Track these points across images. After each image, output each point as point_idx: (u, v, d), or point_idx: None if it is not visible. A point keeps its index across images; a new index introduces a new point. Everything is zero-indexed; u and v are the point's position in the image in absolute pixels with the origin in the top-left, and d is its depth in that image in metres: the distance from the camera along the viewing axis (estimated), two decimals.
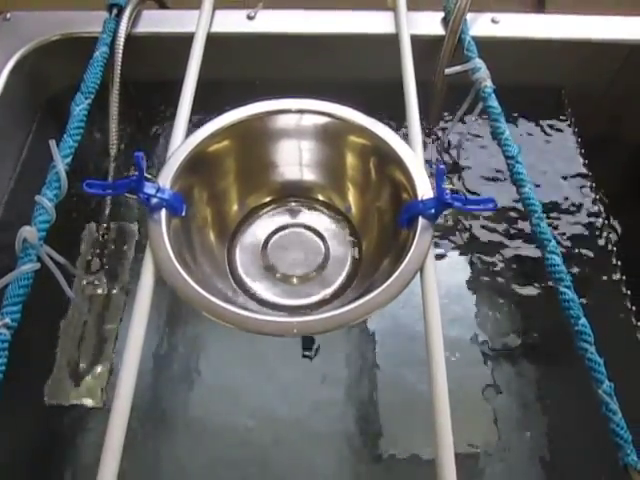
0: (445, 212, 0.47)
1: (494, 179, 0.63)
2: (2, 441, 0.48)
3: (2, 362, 0.37)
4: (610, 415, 0.38)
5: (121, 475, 0.34)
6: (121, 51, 0.57)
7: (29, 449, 0.48)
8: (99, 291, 0.54)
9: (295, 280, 0.49)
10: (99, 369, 0.51)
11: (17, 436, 0.49)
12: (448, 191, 0.41)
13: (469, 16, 0.60)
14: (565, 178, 0.64)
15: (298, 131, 0.50)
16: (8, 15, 0.63)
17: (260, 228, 0.52)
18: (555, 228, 0.60)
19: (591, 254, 0.58)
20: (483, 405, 0.50)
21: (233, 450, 0.48)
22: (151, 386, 0.50)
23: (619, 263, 0.57)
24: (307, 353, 0.52)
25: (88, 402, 0.49)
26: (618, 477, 0.38)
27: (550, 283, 0.45)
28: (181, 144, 0.46)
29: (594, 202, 0.62)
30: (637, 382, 0.50)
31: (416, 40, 0.58)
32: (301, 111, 0.49)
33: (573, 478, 0.48)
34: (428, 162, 0.63)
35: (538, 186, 0.62)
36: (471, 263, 0.58)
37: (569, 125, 0.68)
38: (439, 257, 0.58)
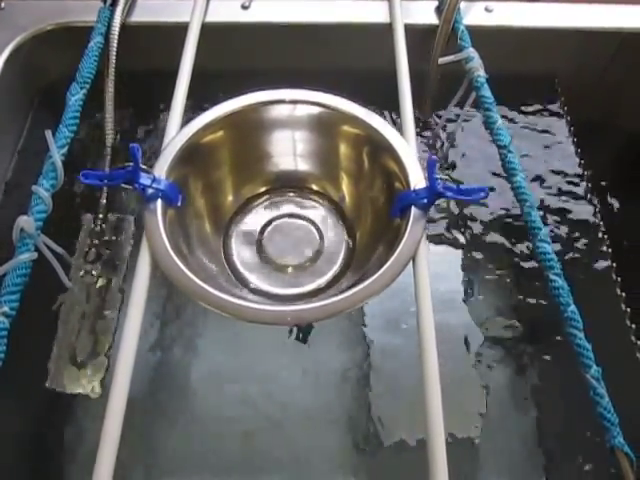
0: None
1: (487, 169, 0.64)
2: (2, 429, 0.49)
3: (1, 350, 0.37)
4: (597, 399, 0.39)
5: (119, 462, 0.34)
6: (116, 41, 0.57)
7: (28, 437, 0.49)
8: (96, 281, 0.55)
9: (290, 269, 0.49)
10: (97, 358, 0.51)
11: (16, 424, 0.49)
12: (440, 181, 0.42)
13: (463, 5, 0.60)
14: (557, 166, 0.64)
15: (292, 121, 0.50)
16: (2, 4, 0.63)
17: (255, 218, 0.52)
18: (546, 216, 0.60)
19: (581, 241, 0.59)
20: (475, 391, 0.51)
21: (228, 437, 0.49)
22: (148, 374, 0.51)
23: (609, 250, 0.58)
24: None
25: (86, 390, 0.50)
26: (605, 459, 0.39)
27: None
28: (176, 134, 0.47)
29: (586, 190, 0.62)
30: (625, 366, 0.51)
31: (410, 29, 0.58)
32: (295, 101, 0.49)
33: (562, 461, 0.49)
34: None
35: (530, 175, 0.62)
36: (463, 251, 0.58)
37: (562, 114, 0.68)
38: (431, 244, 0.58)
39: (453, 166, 0.64)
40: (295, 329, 0.53)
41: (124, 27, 0.59)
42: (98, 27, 0.57)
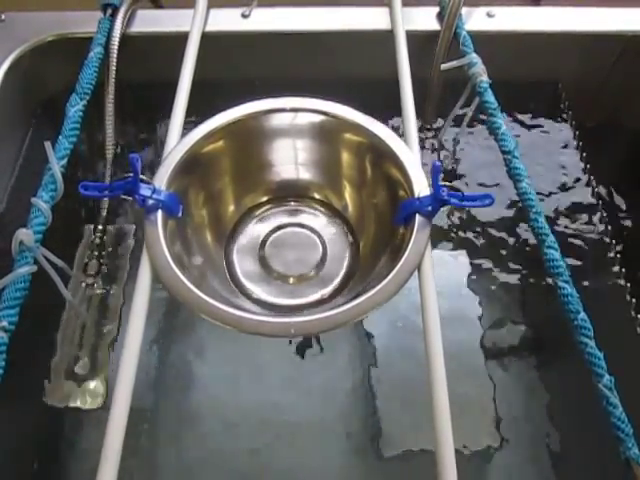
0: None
1: (491, 175, 0.63)
2: (2, 443, 0.48)
3: (0, 365, 0.36)
4: (611, 409, 0.38)
5: (120, 476, 0.34)
6: (116, 51, 0.57)
7: (29, 451, 0.48)
8: (97, 293, 0.54)
9: (293, 280, 0.49)
10: (97, 371, 0.51)
11: (16, 438, 0.49)
12: (445, 188, 0.41)
13: (464, 10, 0.59)
14: (562, 171, 0.64)
15: (293, 130, 0.50)
16: (2, 16, 0.63)
17: (257, 228, 0.52)
18: (553, 222, 0.60)
19: (590, 247, 0.58)
20: (484, 401, 0.50)
21: (233, 450, 0.48)
22: (150, 387, 0.50)
23: (618, 256, 0.57)
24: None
25: (87, 403, 0.49)
26: (620, 471, 0.38)
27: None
28: (176, 145, 0.46)
29: (592, 195, 0.62)
30: (638, 375, 0.50)
31: (412, 36, 0.58)
32: (296, 110, 0.49)
33: (576, 473, 0.48)
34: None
35: (534, 180, 0.62)
36: (469, 258, 0.58)
37: (566, 118, 0.67)
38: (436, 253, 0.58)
39: (457, 173, 0.63)
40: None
41: (124, 37, 0.59)
42: (98, 38, 0.56)
